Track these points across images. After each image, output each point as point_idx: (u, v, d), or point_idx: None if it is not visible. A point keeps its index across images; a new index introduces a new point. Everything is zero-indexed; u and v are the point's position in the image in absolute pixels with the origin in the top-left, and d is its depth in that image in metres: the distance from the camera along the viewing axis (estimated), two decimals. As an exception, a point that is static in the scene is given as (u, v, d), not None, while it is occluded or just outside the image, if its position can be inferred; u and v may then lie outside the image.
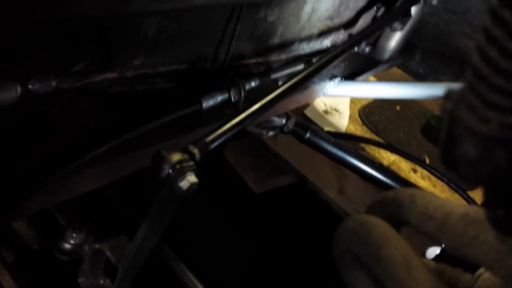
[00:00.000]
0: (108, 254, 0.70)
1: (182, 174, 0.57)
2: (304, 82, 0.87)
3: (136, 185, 1.22)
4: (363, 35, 1.06)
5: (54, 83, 0.61)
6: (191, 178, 0.57)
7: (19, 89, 0.57)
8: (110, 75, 0.71)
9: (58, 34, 0.60)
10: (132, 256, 0.66)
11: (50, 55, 0.61)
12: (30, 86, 0.58)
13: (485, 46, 0.27)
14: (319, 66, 0.90)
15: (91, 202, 0.74)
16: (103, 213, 1.11)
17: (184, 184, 0.57)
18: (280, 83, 0.97)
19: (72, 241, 0.73)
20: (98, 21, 0.63)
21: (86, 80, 0.67)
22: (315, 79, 1.08)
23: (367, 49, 1.26)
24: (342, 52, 0.96)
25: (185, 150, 0.61)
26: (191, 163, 0.58)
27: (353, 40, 1.02)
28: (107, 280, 0.75)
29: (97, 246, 0.72)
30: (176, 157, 0.58)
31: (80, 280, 0.73)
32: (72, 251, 0.73)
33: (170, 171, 0.57)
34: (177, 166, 0.57)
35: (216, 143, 0.66)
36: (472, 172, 0.30)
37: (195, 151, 0.62)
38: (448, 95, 0.30)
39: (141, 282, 1.29)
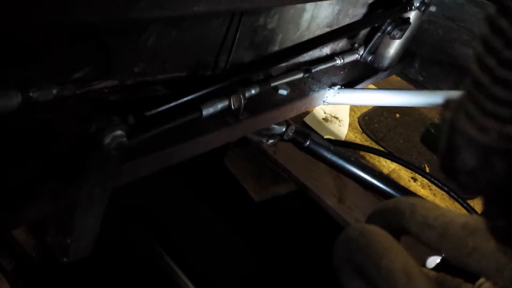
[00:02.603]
0: (62, 216, 0.70)
1: (108, 132, 0.58)
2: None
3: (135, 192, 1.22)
4: (343, 30, 1.07)
5: (54, 91, 0.61)
6: (117, 134, 0.58)
7: (19, 96, 0.57)
8: (110, 82, 0.71)
9: (59, 41, 0.60)
10: (79, 222, 0.66)
11: (51, 62, 0.61)
12: (30, 94, 0.58)
13: (483, 55, 0.27)
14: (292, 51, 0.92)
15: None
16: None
17: (110, 140, 0.58)
18: (279, 91, 0.97)
19: None
20: (98, 29, 0.63)
21: (87, 87, 0.67)
22: (314, 86, 1.08)
23: (369, 58, 1.27)
24: (319, 42, 0.96)
25: (119, 114, 0.63)
26: (119, 122, 0.60)
27: (331, 34, 1.02)
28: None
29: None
30: (104, 117, 0.59)
31: (48, 240, 0.73)
32: None
33: (99, 127, 0.58)
34: (104, 123, 0.58)
35: (153, 111, 0.67)
36: (471, 181, 0.30)
37: (130, 116, 0.64)
38: (447, 104, 0.30)
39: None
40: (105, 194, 0.65)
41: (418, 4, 1.16)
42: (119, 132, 0.59)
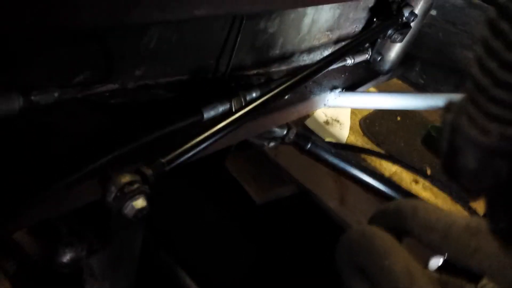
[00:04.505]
0: (96, 270, 0.69)
1: (128, 198, 0.52)
2: (285, 94, 0.84)
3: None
4: (351, 45, 1.06)
5: (56, 94, 0.61)
6: (138, 203, 0.52)
7: (21, 100, 0.57)
8: (111, 86, 0.71)
9: (60, 45, 0.60)
10: (111, 277, 0.64)
11: (52, 66, 0.62)
12: (32, 97, 0.58)
13: (484, 57, 0.27)
14: (305, 76, 0.88)
15: (95, 211, 0.73)
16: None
17: (129, 210, 0.52)
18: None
19: (68, 257, 0.72)
20: (100, 32, 0.63)
21: (88, 91, 0.67)
22: (316, 90, 1.09)
23: (378, 58, 1.27)
24: (330, 62, 0.95)
25: (137, 171, 0.56)
26: (138, 186, 0.53)
27: (340, 52, 1.02)
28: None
29: (86, 261, 0.71)
30: (124, 179, 0.53)
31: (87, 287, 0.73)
32: (71, 265, 0.72)
33: (118, 194, 0.52)
34: (125, 190, 0.52)
35: (173, 164, 0.61)
36: (473, 183, 0.30)
37: (149, 172, 0.56)
38: (449, 107, 0.30)
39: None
40: (134, 251, 0.62)
41: (407, 15, 1.17)
42: (140, 201, 0.52)
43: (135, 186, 0.53)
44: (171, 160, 0.61)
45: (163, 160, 0.60)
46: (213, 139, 0.67)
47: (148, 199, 0.54)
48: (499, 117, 0.27)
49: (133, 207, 0.52)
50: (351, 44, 1.06)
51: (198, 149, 0.65)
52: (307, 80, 0.89)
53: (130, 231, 0.59)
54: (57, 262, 0.72)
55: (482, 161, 0.28)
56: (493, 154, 0.28)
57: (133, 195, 0.52)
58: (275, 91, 0.80)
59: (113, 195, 0.52)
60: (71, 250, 0.71)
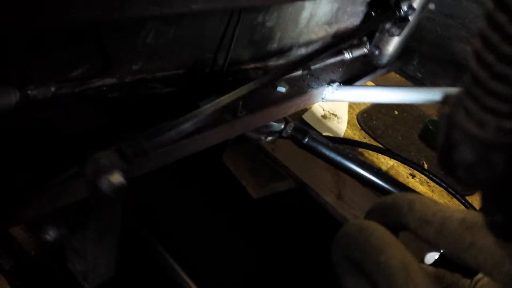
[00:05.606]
0: (78, 247, 0.69)
1: (104, 173, 0.53)
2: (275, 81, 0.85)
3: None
4: (347, 36, 1.06)
5: (53, 89, 0.61)
6: (114, 177, 0.53)
7: (17, 94, 0.57)
8: (108, 80, 0.71)
9: (57, 39, 0.60)
10: (92, 253, 0.65)
11: (49, 60, 0.61)
12: (28, 92, 0.58)
13: (482, 50, 0.27)
14: (295, 64, 0.89)
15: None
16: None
17: (105, 185, 0.53)
18: (278, 88, 0.97)
19: (51, 234, 0.72)
20: (97, 26, 0.63)
21: (85, 85, 0.67)
22: (313, 83, 1.08)
23: (376, 52, 1.27)
24: (321, 52, 0.95)
25: (117, 149, 0.57)
26: (115, 161, 0.55)
27: (335, 42, 1.02)
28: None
29: (69, 238, 0.71)
30: (101, 156, 0.54)
31: (69, 265, 0.73)
32: (55, 242, 0.72)
33: (93, 170, 0.53)
34: (101, 163, 0.53)
35: (153, 141, 0.62)
36: (469, 177, 0.30)
37: (127, 149, 0.58)
38: (445, 100, 0.30)
39: (139, 286, 1.29)
40: (115, 226, 0.63)
41: (405, 8, 1.16)
42: (116, 175, 0.53)
43: (112, 160, 0.54)
44: (150, 136, 0.62)
45: (143, 137, 0.61)
46: (195, 120, 0.68)
47: (126, 176, 0.54)
48: (496, 110, 0.27)
49: (109, 181, 0.53)
50: (348, 35, 1.06)
51: (178, 128, 0.66)
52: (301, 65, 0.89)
53: (108, 208, 0.59)
54: (43, 240, 0.72)
55: (479, 154, 0.28)
56: (489, 148, 0.28)
57: (109, 169, 0.53)
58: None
59: (89, 171, 0.54)
60: (54, 228, 0.71)
